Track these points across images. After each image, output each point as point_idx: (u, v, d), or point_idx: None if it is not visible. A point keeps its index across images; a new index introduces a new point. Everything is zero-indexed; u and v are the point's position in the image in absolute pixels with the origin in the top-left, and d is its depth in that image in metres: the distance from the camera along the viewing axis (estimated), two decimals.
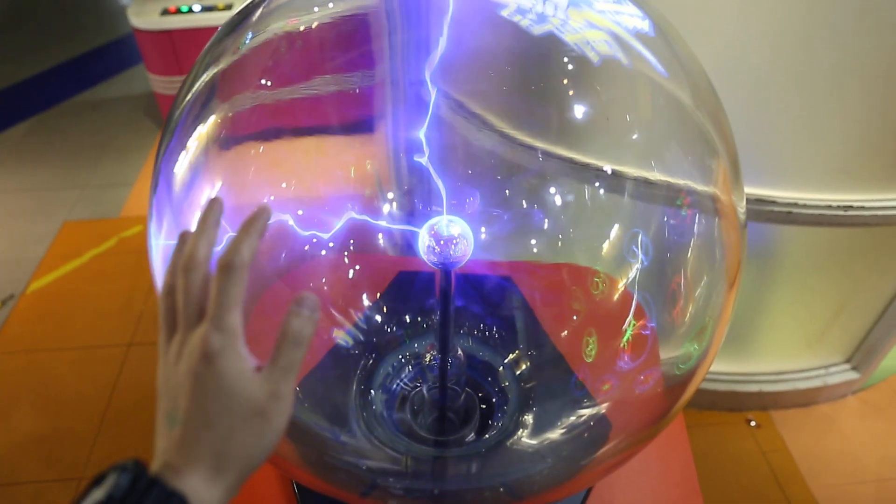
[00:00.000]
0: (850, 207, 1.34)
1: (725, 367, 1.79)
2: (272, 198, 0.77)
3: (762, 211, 1.37)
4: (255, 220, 0.41)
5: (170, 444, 0.38)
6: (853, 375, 1.81)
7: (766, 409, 1.83)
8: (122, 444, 1.77)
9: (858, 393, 1.89)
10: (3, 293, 2.27)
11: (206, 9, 2.71)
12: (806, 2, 1.11)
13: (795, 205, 1.35)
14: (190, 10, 2.70)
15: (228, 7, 2.71)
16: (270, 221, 0.43)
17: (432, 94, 0.62)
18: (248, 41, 0.72)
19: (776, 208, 1.36)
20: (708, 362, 0.74)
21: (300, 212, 0.77)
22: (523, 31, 0.60)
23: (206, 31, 2.64)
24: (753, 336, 1.71)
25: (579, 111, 0.67)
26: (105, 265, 2.38)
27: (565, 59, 0.62)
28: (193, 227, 0.43)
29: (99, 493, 0.36)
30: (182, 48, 2.74)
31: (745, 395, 1.79)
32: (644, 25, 0.64)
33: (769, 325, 1.68)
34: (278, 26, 0.74)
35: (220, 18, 2.65)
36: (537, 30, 0.60)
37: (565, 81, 0.64)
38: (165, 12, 2.70)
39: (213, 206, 0.43)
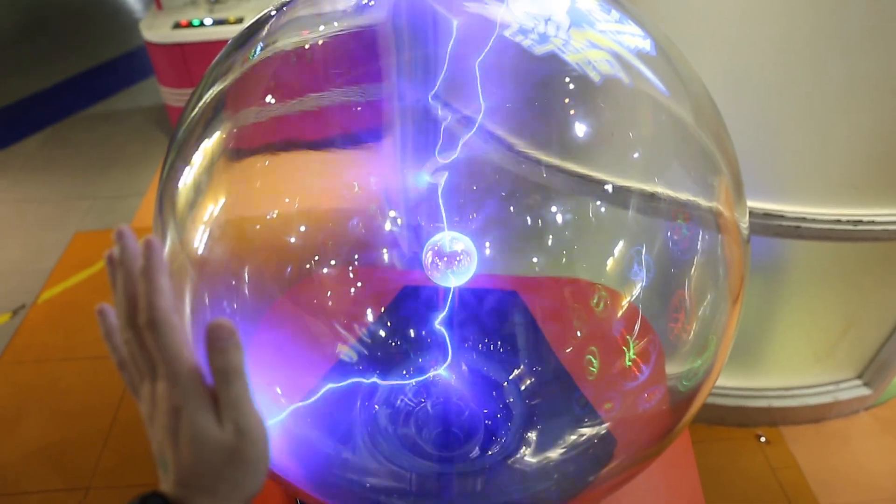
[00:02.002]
0: (860, 222, 1.33)
1: (734, 382, 1.77)
2: (275, 213, 0.78)
3: (771, 225, 1.36)
4: (150, 263, 0.39)
5: (168, 488, 0.40)
6: (865, 391, 1.79)
7: (775, 425, 1.81)
8: (128, 454, 1.78)
9: (871, 409, 1.86)
10: (14, 303, 2.29)
11: (217, 22, 2.74)
12: (815, 17, 1.11)
13: (804, 219, 1.34)
14: (201, 24, 2.74)
15: (240, 21, 2.75)
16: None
17: (442, 118, 0.62)
18: (255, 56, 0.73)
19: (785, 223, 1.35)
20: (713, 378, 0.73)
21: (304, 227, 0.77)
22: (525, 51, 0.61)
23: (217, 45, 2.67)
24: (762, 351, 1.70)
25: (580, 129, 0.68)
26: None
27: (567, 79, 0.62)
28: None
29: None
30: (193, 61, 2.78)
31: (754, 411, 1.77)
32: (646, 45, 0.64)
33: (778, 340, 1.66)
34: (286, 42, 0.75)
35: (231, 32, 2.68)
36: (539, 50, 0.61)
37: (567, 100, 0.65)
38: (177, 26, 2.73)
39: (150, 254, 0.40)
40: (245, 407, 0.40)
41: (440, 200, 0.66)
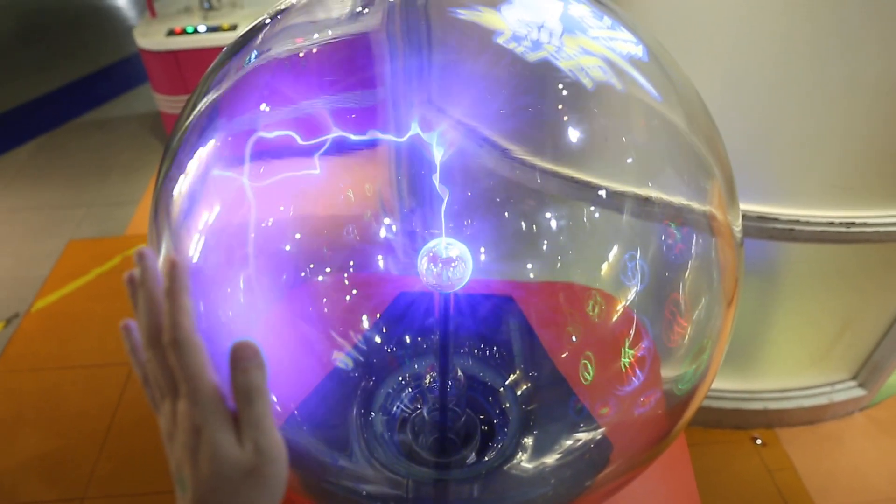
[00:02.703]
0: (853, 224, 1.34)
1: (730, 385, 1.78)
2: (271, 221, 0.78)
3: (765, 228, 1.37)
4: (175, 284, 0.40)
5: None
6: (860, 392, 1.79)
7: (771, 427, 1.81)
8: (124, 463, 1.77)
9: (865, 410, 1.87)
10: (8, 312, 2.28)
11: (211, 29, 2.75)
12: (809, 21, 1.12)
13: (797, 222, 1.35)
14: (195, 31, 2.74)
15: (234, 28, 2.75)
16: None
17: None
18: (250, 64, 0.73)
19: (778, 225, 1.36)
20: (708, 382, 0.74)
21: (299, 235, 0.77)
22: (519, 58, 0.61)
23: (211, 52, 2.67)
24: (758, 353, 1.70)
25: (574, 135, 0.68)
26: (110, 284, 2.39)
27: (560, 86, 0.62)
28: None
29: None
30: (187, 68, 2.78)
31: (751, 413, 1.78)
32: (638, 51, 0.65)
33: (773, 343, 1.67)
34: (280, 50, 0.75)
35: (225, 39, 2.68)
36: (532, 57, 0.61)
37: (560, 106, 0.65)
38: (171, 33, 2.73)
39: (175, 275, 0.40)
40: (266, 427, 0.40)
41: (442, 217, 0.66)
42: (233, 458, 0.39)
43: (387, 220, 0.82)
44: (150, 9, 2.89)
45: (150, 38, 2.73)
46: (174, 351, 0.39)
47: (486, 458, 0.80)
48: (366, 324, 0.87)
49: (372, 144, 0.84)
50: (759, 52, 1.18)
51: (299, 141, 0.80)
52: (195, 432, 0.39)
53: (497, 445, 0.82)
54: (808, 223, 1.35)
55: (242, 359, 0.39)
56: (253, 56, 0.73)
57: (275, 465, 0.40)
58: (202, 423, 0.39)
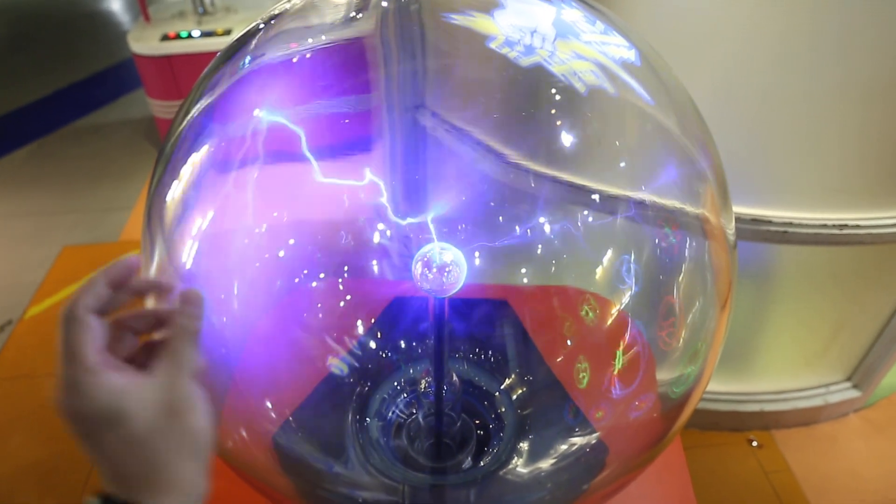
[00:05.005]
0: (845, 226, 1.35)
1: (726, 387, 1.78)
2: (265, 227, 0.78)
3: (758, 231, 1.37)
4: (111, 269, 0.43)
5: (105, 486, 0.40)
6: (854, 394, 1.80)
7: (767, 429, 1.82)
8: None
9: (860, 411, 1.88)
10: (1, 318, 2.27)
11: (205, 34, 2.74)
12: (803, 24, 1.12)
13: (791, 224, 1.36)
14: (189, 36, 2.73)
15: (228, 32, 2.75)
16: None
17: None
18: (243, 69, 0.73)
19: (772, 228, 1.36)
20: (703, 384, 0.74)
21: (292, 240, 0.77)
22: (511, 63, 0.61)
23: (205, 56, 2.67)
24: (753, 355, 1.71)
25: (567, 139, 0.68)
26: None
27: (553, 90, 0.63)
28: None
29: None
30: (181, 73, 2.77)
31: (747, 415, 1.78)
32: (630, 55, 0.65)
33: (768, 344, 1.67)
34: (274, 55, 0.75)
35: (219, 44, 2.68)
36: (525, 61, 0.61)
37: (553, 111, 0.65)
38: (165, 38, 2.73)
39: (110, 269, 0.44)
40: (183, 369, 0.42)
41: (430, 224, 0.66)
42: (132, 403, 0.40)
43: (381, 226, 0.82)
44: (144, 13, 2.89)
45: (144, 42, 2.73)
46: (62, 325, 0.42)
47: (482, 463, 0.80)
48: (360, 329, 0.87)
49: (366, 149, 0.84)
50: (752, 56, 1.19)
51: (293, 146, 0.80)
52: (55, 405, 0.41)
53: (493, 450, 0.81)
54: (801, 225, 1.36)
55: (190, 304, 0.44)
56: (247, 61, 0.73)
57: (192, 413, 0.41)
58: (60, 390, 0.41)
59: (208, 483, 0.41)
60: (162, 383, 0.41)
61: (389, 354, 0.89)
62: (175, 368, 0.42)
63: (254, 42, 0.74)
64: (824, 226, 1.35)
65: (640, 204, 0.69)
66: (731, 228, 0.71)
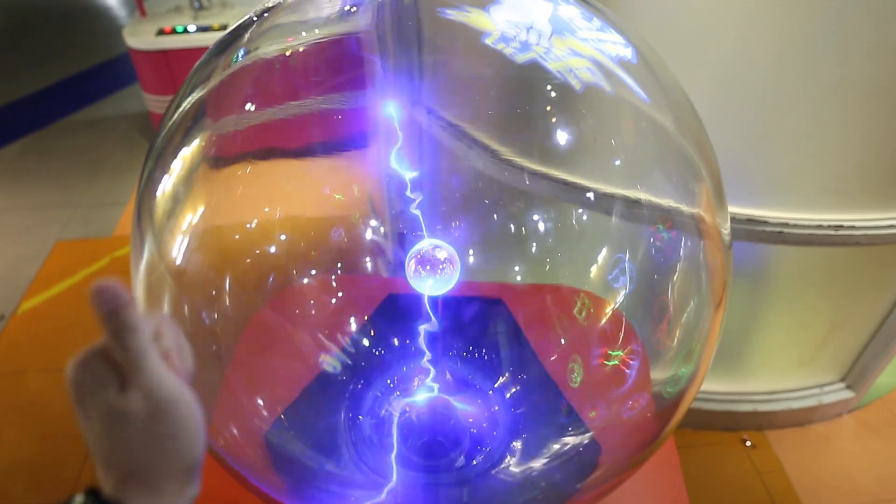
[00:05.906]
0: (841, 227, 1.35)
1: (720, 387, 1.78)
2: (256, 221, 0.77)
3: (754, 231, 1.37)
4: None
5: (103, 486, 0.38)
6: (848, 394, 1.80)
7: (761, 429, 1.82)
8: None
9: (854, 412, 1.88)
10: None
11: (201, 29, 2.73)
12: (800, 26, 1.12)
13: (786, 224, 1.36)
14: (185, 31, 2.72)
15: (224, 27, 2.73)
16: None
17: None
18: (236, 63, 0.72)
19: (767, 228, 1.36)
20: (697, 384, 0.73)
21: (285, 236, 0.76)
22: (507, 59, 0.61)
23: (200, 51, 2.63)
24: (747, 355, 1.71)
25: (562, 136, 0.68)
26: None
27: (548, 87, 0.62)
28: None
29: None
30: (177, 68, 2.76)
31: (740, 415, 1.78)
32: (627, 53, 0.64)
33: (763, 345, 1.67)
34: (268, 49, 0.74)
35: (214, 38, 2.65)
36: (521, 58, 0.61)
37: (549, 108, 0.65)
38: (161, 32, 2.71)
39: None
40: (149, 367, 0.37)
41: (422, 220, 0.65)
42: (118, 412, 0.37)
43: (374, 223, 0.82)
44: (139, 8, 2.87)
45: (140, 37, 2.71)
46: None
47: (475, 462, 0.80)
48: (353, 326, 0.86)
49: (360, 145, 0.84)
50: (749, 55, 1.19)
51: (286, 141, 0.79)
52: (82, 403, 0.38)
53: (486, 449, 0.81)
54: (796, 226, 1.35)
55: (105, 301, 0.35)
56: (240, 55, 0.73)
57: (175, 408, 0.37)
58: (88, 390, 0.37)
59: (199, 483, 0.40)
60: (140, 404, 0.37)
61: (382, 352, 0.89)
62: (135, 368, 0.37)
63: (247, 35, 0.73)
64: (820, 227, 1.35)
65: (636, 202, 0.69)
66: (726, 228, 0.71)
